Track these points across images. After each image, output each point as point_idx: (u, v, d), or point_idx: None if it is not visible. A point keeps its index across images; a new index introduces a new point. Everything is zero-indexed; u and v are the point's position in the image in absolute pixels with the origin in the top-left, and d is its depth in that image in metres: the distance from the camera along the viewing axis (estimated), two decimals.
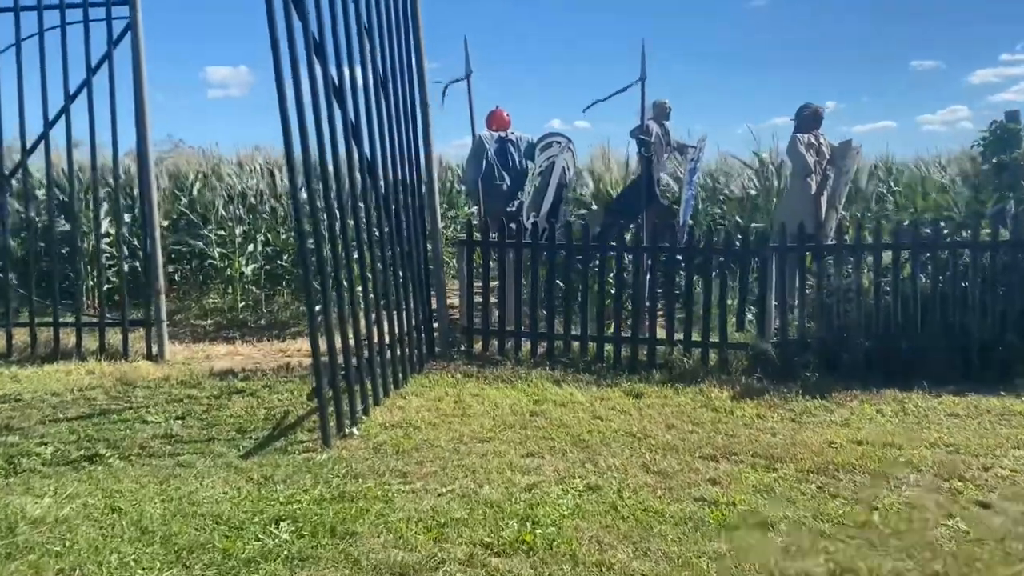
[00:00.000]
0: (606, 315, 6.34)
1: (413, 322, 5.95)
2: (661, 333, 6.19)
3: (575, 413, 4.98)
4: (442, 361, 6.31)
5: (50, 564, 3.04)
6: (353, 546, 3.19)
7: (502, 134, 7.52)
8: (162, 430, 4.71)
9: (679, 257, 6.27)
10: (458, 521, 3.41)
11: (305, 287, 4.51)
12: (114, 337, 6.73)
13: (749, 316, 6.32)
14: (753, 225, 8.12)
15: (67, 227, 7.54)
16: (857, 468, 4.04)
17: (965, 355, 5.67)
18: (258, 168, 10.04)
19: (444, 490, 3.77)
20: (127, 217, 8.83)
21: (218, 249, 8.96)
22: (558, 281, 6.56)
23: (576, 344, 6.30)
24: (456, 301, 7.94)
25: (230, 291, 8.77)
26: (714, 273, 6.33)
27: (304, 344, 7.20)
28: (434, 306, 6.53)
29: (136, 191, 7.31)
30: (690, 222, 7.31)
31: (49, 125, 6.62)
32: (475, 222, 7.63)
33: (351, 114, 5.04)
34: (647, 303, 6.33)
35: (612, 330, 6.28)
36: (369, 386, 5.05)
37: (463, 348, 6.59)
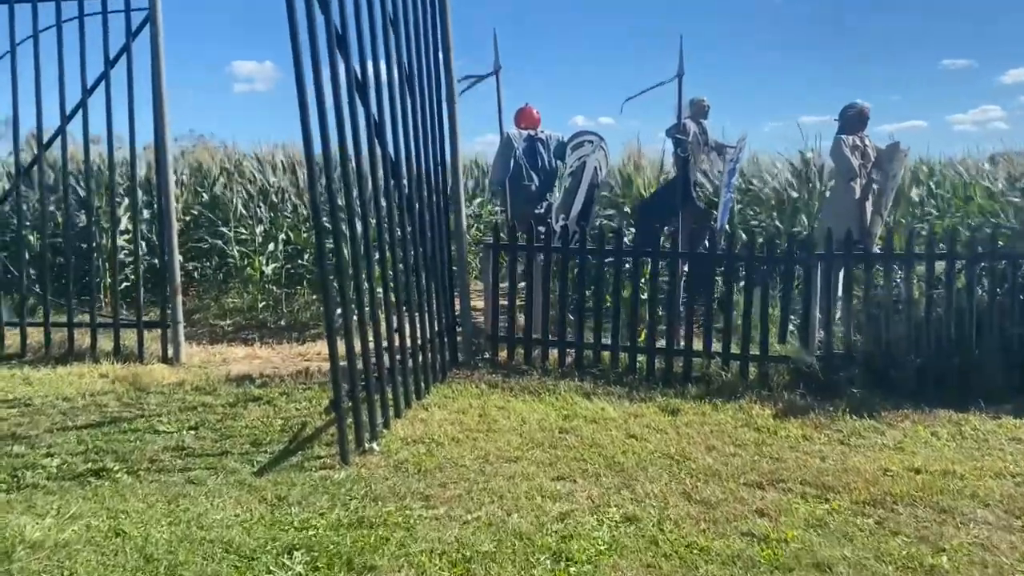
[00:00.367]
0: (638, 324, 6.04)
1: (436, 328, 5.69)
2: (696, 343, 5.88)
3: (608, 431, 4.69)
4: (465, 370, 6.04)
5: None
6: None
7: (531, 132, 7.22)
8: (174, 441, 4.49)
9: (718, 264, 5.95)
10: (485, 556, 3.14)
11: (323, 291, 4.26)
12: (129, 338, 6.54)
13: (790, 327, 5.98)
14: (793, 230, 7.76)
15: (84, 223, 7.37)
16: (917, 500, 3.72)
17: None
18: (280, 165, 9.83)
19: (470, 517, 3.50)
20: (146, 213, 8.68)
21: (238, 248, 8.77)
22: (588, 287, 6.26)
23: (607, 354, 6.01)
24: (478, 305, 7.67)
25: (249, 290, 8.56)
26: (755, 281, 6.00)
27: (323, 348, 6.92)
28: (458, 311, 6.26)
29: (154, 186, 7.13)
30: (727, 227, 6.99)
31: (66, 119, 6.44)
32: (497, 222, 7.35)
33: (374, 110, 4.78)
34: (682, 312, 6.01)
35: (644, 340, 5.98)
36: (390, 397, 4.80)
37: (487, 356, 6.32)
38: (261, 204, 9.23)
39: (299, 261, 9.00)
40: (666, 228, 6.74)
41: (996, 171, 9.97)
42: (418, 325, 5.29)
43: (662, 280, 6.09)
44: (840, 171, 7.04)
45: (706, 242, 6.01)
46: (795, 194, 8.38)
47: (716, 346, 5.79)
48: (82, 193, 7.84)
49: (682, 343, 5.85)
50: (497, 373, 5.93)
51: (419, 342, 5.30)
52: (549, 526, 3.41)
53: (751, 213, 9.45)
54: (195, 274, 9.46)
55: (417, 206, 5.37)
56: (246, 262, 8.72)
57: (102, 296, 7.98)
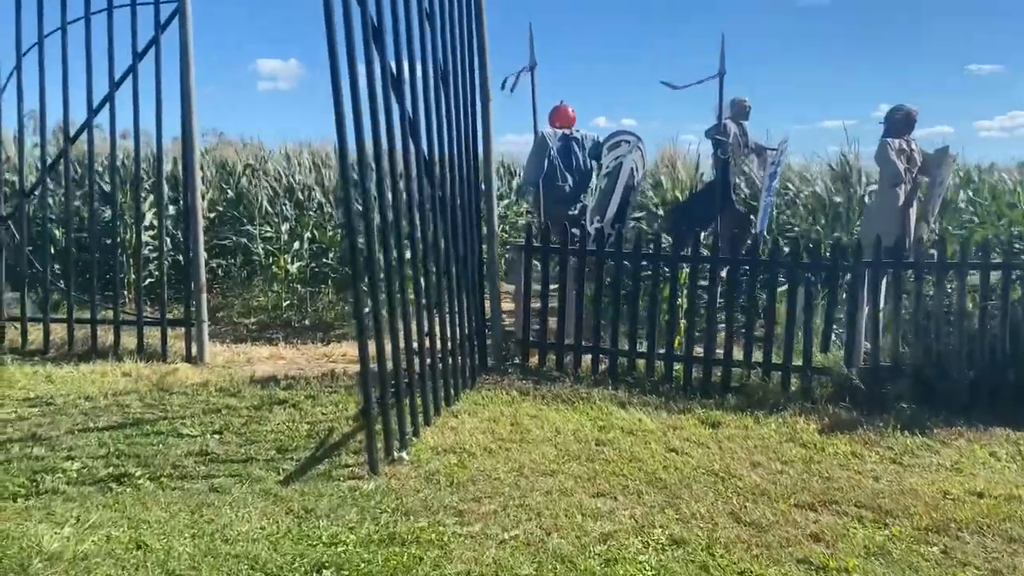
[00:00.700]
0: (675, 331, 5.83)
1: (466, 331, 5.51)
2: (733, 352, 5.65)
3: (646, 444, 4.49)
4: (495, 375, 5.86)
5: None
6: None
7: (566, 131, 7.02)
8: (197, 446, 4.34)
9: (761, 270, 5.72)
10: None
11: (354, 293, 4.09)
12: (153, 336, 6.42)
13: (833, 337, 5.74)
14: (834, 235, 7.50)
15: (108, 218, 7.28)
16: (984, 528, 3.48)
17: None
18: (306, 163, 9.70)
19: (507, 536, 3.31)
20: (171, 209, 8.59)
21: (263, 246, 8.65)
22: (623, 292, 6.05)
23: (641, 362, 5.80)
24: (505, 307, 7.49)
25: (274, 289, 8.44)
26: (798, 289, 5.76)
27: (349, 348, 6.83)
28: (488, 314, 6.08)
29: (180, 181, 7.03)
30: (766, 234, 6.74)
31: (93, 112, 6.33)
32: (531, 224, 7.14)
33: (408, 106, 4.61)
34: (722, 320, 5.79)
35: (681, 348, 5.77)
36: (420, 403, 4.62)
37: (517, 361, 6.13)
38: (287, 202, 9.11)
39: (324, 260, 8.87)
40: (702, 232, 6.52)
41: None
42: (448, 328, 5.11)
43: (699, 286, 5.85)
44: (885, 176, 6.78)
45: (747, 247, 5.77)
46: (838, 199, 8.09)
47: (755, 355, 5.57)
48: (107, 188, 7.76)
49: (721, 351, 5.63)
50: (528, 379, 5.74)
51: (449, 346, 5.13)
52: (591, 548, 3.22)
53: (784, 218, 9.20)
54: (219, 271, 9.35)
55: (450, 206, 5.20)
56: (271, 260, 8.60)
57: (125, 292, 7.90)
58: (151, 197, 8.04)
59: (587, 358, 5.96)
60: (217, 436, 4.52)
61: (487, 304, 6.05)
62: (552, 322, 6.11)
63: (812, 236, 7.84)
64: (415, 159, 4.71)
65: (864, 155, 7.80)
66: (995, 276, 5.39)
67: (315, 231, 8.87)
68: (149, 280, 7.88)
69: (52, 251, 7.13)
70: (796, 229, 8.70)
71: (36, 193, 6.79)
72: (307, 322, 7.89)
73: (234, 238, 9.05)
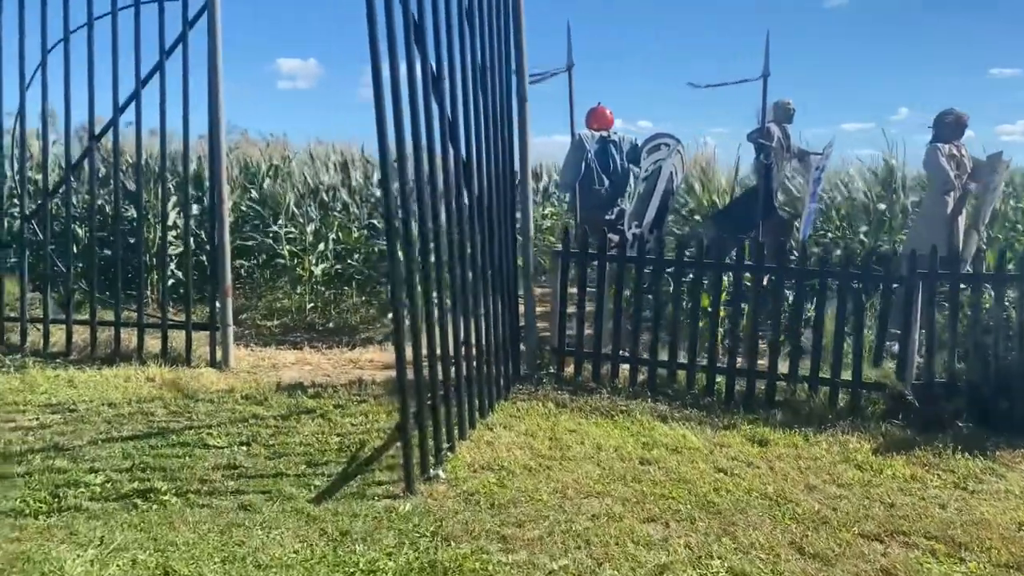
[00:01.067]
0: (718, 342, 5.59)
1: (501, 339, 5.30)
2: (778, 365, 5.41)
3: (694, 463, 4.26)
4: (529, 385, 5.65)
5: None
6: None
7: (604, 134, 6.79)
8: (225, 458, 4.16)
9: (809, 279, 5.48)
10: None
11: (392, 300, 3.90)
12: (177, 339, 6.26)
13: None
14: (876, 244, 7.24)
15: (133, 218, 7.14)
16: None
17: None
18: (332, 163, 9.53)
19: (555, 567, 3.10)
20: (195, 209, 8.44)
21: (287, 247, 8.48)
22: (664, 301, 5.83)
23: (682, 373, 5.58)
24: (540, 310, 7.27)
25: (298, 291, 8.27)
26: (848, 300, 5.51)
27: (375, 354, 6.66)
28: (522, 322, 5.87)
29: (206, 182, 6.87)
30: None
31: (119, 110, 6.19)
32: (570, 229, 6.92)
33: (448, 107, 4.41)
34: (766, 331, 5.56)
35: (724, 359, 5.54)
36: (455, 416, 4.42)
37: (552, 370, 5.92)
38: (311, 202, 8.94)
39: (348, 261, 8.70)
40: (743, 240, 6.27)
41: None
42: (485, 337, 4.91)
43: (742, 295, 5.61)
44: (934, 182, 6.52)
45: (793, 255, 5.53)
46: (881, 205, 7.80)
47: (803, 369, 5.33)
48: (132, 187, 7.62)
49: (765, 364, 5.40)
50: (563, 390, 5.53)
51: (484, 355, 4.93)
52: None
53: (816, 224, 8.92)
54: (242, 272, 9.20)
55: (487, 210, 4.99)
56: (295, 261, 8.44)
57: (149, 293, 7.76)
58: (174, 197, 7.89)
59: (625, 368, 5.74)
60: (245, 448, 4.35)
61: (521, 310, 5.85)
62: (588, 329, 5.90)
63: (854, 244, 7.57)
64: (453, 160, 4.52)
65: (867, 159, 7.51)
66: None
67: (340, 232, 8.70)
68: (171, 281, 7.73)
69: (75, 250, 6.99)
70: (829, 236, 8.44)
71: (60, 191, 6.65)
72: (331, 325, 7.72)
73: (259, 238, 8.88)
